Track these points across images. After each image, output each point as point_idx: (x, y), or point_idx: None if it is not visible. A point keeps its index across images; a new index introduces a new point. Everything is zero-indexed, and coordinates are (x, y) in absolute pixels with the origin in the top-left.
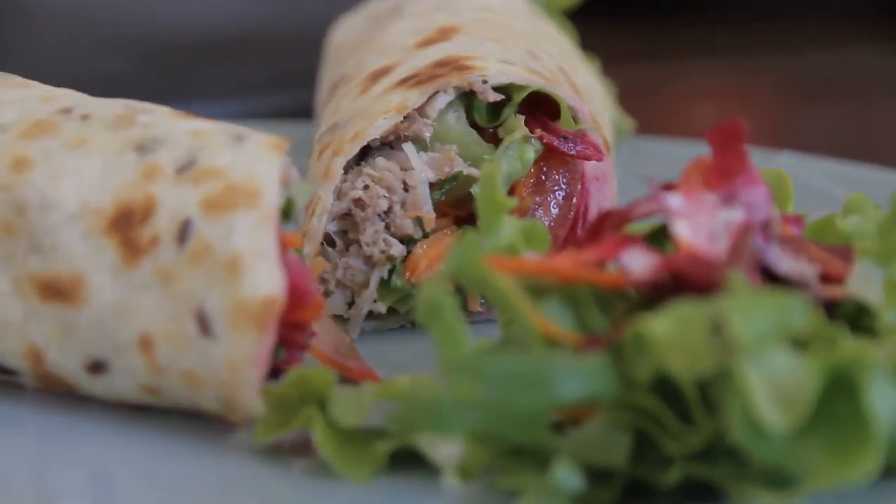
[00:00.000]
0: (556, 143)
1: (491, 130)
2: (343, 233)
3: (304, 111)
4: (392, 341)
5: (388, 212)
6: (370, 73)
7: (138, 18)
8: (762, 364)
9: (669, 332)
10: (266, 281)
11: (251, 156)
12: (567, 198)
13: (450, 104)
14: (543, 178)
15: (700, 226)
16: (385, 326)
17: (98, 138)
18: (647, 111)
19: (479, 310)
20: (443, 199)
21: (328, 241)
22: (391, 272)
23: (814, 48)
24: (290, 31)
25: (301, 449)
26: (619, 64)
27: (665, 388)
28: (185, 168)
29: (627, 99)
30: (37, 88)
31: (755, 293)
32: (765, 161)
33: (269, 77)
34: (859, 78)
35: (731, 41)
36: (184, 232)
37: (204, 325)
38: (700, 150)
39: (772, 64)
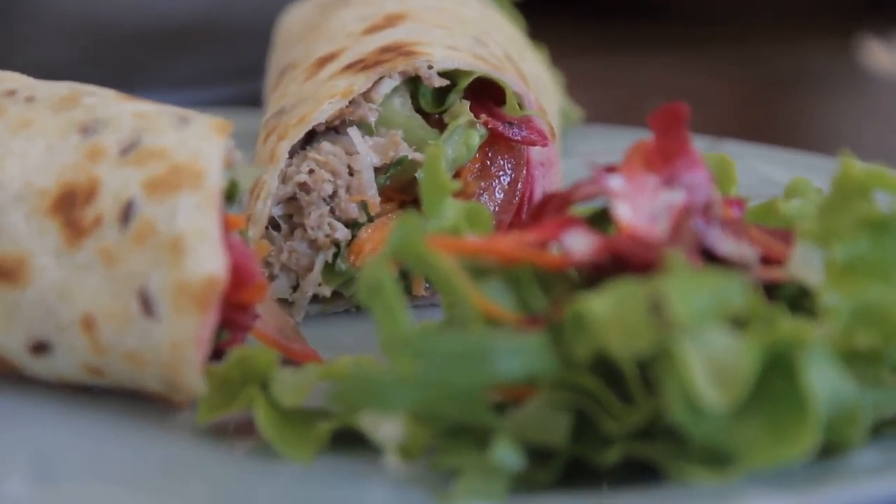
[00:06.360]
0: (501, 128)
1: (436, 116)
2: (288, 217)
3: (253, 101)
4: (337, 325)
5: (333, 196)
6: (317, 59)
7: (88, 7)
8: (700, 343)
9: (608, 310)
10: (209, 262)
11: (195, 137)
12: (512, 183)
13: (395, 89)
14: (488, 163)
15: (641, 207)
16: (330, 310)
17: (42, 120)
18: (596, 102)
19: (424, 294)
20: (388, 183)
21: (273, 224)
22: (336, 256)
23: (765, 42)
24: (241, 22)
25: (244, 429)
26: (569, 56)
27: (605, 367)
28: (129, 149)
29: (577, 90)
30: None
31: (694, 273)
32: (710, 149)
33: (220, 68)
34: (806, 72)
35: (681, 34)
36: (127, 212)
37: (147, 305)
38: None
39: (722, 57)
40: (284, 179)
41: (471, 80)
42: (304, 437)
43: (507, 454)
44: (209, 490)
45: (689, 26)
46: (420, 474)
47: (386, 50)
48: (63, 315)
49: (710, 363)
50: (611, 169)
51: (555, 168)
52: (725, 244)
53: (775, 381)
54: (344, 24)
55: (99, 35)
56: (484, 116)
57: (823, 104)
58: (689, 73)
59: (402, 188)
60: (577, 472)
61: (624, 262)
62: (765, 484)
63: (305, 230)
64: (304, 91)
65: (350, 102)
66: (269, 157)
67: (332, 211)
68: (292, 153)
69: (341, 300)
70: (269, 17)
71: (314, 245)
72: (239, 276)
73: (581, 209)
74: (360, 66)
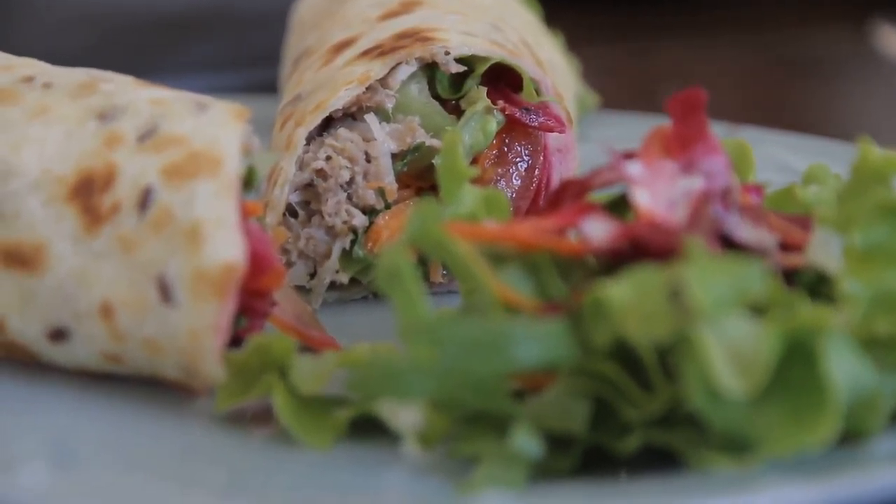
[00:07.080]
0: (518, 114)
1: (453, 102)
2: (305, 203)
3: (269, 87)
4: (354, 312)
5: (351, 182)
6: (333, 46)
7: None
8: (720, 330)
9: (628, 297)
10: (227, 248)
11: (213, 123)
12: (529, 169)
13: (412, 75)
14: (506, 149)
15: (659, 193)
16: (347, 297)
17: (60, 106)
18: (612, 88)
19: (442, 281)
20: (405, 170)
21: (290, 211)
22: (353, 243)
23: (780, 28)
24: (253, 8)
25: (262, 417)
26: (585, 42)
27: (624, 354)
28: (147, 136)
29: (593, 76)
30: None
31: (713, 259)
32: (727, 135)
33: (235, 54)
34: (823, 58)
35: (697, 21)
36: (145, 199)
37: (165, 292)
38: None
39: (739, 43)
40: (302, 166)
41: (487, 66)
42: (323, 425)
43: (526, 442)
44: (227, 477)
45: (705, 12)
46: (439, 462)
47: (402, 36)
48: (81, 302)
49: (729, 350)
50: (629, 155)
51: (572, 154)
52: (744, 230)
53: (795, 367)
54: (360, 11)
55: (110, 22)
56: (501, 102)
57: (840, 90)
58: (705, 59)
59: (419, 175)
60: (596, 460)
61: (643, 248)
62: (784, 471)
63: (323, 217)
64: (320, 78)
65: (367, 89)
66: (286, 143)
67: (349, 197)
68: (309, 140)
69: (359, 287)
70: (282, 3)
71: (332, 232)
72: (257, 263)
73: (599, 195)
74: (377, 52)
